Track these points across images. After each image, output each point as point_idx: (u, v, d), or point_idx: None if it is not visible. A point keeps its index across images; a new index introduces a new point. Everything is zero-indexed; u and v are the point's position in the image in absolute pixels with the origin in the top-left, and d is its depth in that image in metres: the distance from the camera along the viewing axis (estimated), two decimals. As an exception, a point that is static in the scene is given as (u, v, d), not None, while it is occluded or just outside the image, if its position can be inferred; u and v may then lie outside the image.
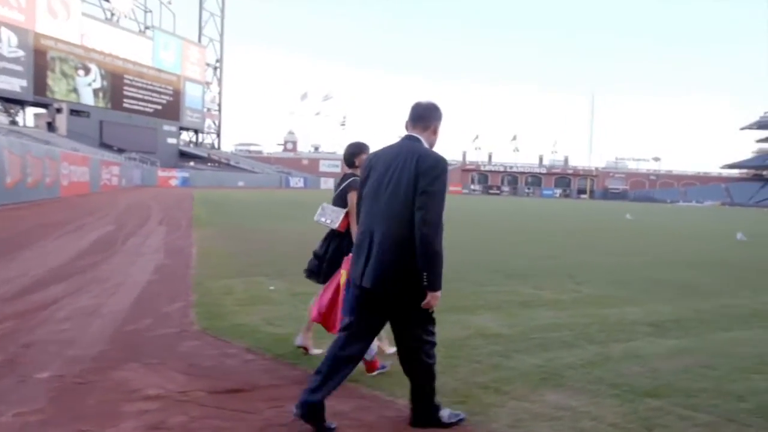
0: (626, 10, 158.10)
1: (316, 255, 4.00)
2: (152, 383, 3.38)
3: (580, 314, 5.74)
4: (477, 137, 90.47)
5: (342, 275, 3.50)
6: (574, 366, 4.06)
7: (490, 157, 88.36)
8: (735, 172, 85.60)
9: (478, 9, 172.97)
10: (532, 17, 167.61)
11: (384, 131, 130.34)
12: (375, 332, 2.96)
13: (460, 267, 8.01)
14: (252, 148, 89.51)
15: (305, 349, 4.01)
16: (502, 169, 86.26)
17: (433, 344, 2.86)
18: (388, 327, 2.98)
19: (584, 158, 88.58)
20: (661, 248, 13.67)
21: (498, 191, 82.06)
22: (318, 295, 3.79)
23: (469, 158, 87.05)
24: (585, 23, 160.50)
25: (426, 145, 2.84)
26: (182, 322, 4.84)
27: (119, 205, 20.62)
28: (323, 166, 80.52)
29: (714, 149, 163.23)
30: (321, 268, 3.89)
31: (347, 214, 3.79)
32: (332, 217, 3.88)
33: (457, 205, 30.21)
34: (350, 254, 3.09)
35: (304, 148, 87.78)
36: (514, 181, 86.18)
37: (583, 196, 79.28)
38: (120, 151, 47.58)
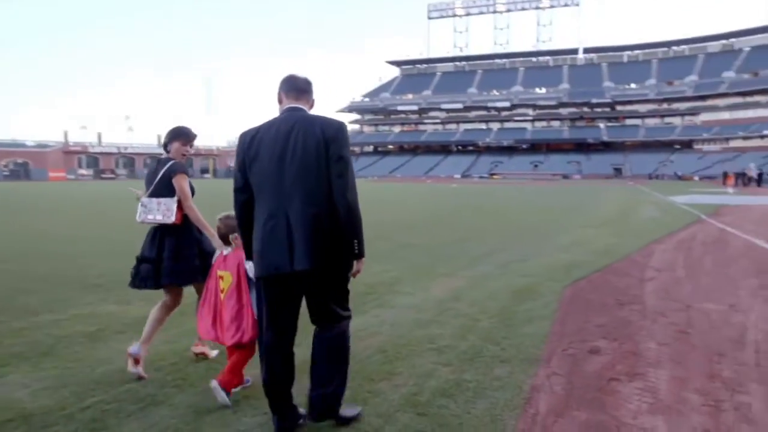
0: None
1: (145, 259, 3.39)
2: None
3: (161, 340, 4.21)
4: (85, 127, 79.18)
5: (225, 278, 3.05)
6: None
7: (99, 137, 78.36)
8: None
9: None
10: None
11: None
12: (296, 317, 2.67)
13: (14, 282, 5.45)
14: None
15: (204, 354, 3.66)
16: (115, 150, 77.58)
17: (350, 319, 2.77)
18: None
19: (205, 138, 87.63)
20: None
21: (113, 175, 73.53)
22: (199, 309, 3.20)
23: (72, 138, 75.17)
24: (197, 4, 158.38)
25: None
26: None
27: None
28: None
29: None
30: (155, 272, 3.34)
31: (180, 204, 3.34)
32: (162, 211, 3.33)
33: (51, 193, 24.73)
34: (223, 252, 3.12)
35: None
36: (130, 163, 78.69)
37: (206, 175, 78.57)
38: None
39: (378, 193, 31.60)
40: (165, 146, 3.51)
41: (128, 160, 78.85)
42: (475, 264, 7.46)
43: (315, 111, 2.74)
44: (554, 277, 6.46)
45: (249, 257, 2.70)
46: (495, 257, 8.06)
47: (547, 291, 5.75)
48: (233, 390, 2.98)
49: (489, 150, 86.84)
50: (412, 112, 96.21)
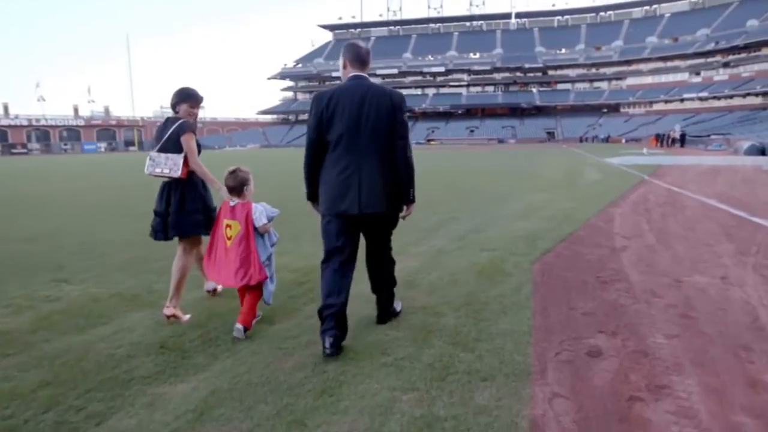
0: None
1: (156, 213, 3.66)
2: None
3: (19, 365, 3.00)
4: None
5: (232, 227, 3.33)
6: None
7: (6, 108, 71.49)
8: (269, 117, 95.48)
9: None
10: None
11: None
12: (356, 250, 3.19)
13: None
14: None
15: (176, 317, 3.60)
16: (26, 123, 71.18)
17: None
18: None
19: (128, 108, 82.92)
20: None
21: (25, 150, 67.55)
22: (206, 256, 3.54)
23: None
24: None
25: None
26: None
27: None
28: None
29: (250, 96, 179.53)
30: (164, 225, 3.59)
31: (186, 159, 3.54)
32: (169, 166, 3.54)
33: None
34: (230, 203, 3.38)
35: None
36: (45, 136, 72.53)
37: (131, 148, 73.76)
38: None
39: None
40: (173, 107, 3.64)
41: (42, 133, 72.69)
42: (427, 238, 6.53)
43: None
44: (518, 251, 5.62)
45: (312, 199, 3.20)
46: (448, 228, 7.15)
47: (514, 269, 4.88)
48: (253, 323, 3.34)
49: (425, 116, 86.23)
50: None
